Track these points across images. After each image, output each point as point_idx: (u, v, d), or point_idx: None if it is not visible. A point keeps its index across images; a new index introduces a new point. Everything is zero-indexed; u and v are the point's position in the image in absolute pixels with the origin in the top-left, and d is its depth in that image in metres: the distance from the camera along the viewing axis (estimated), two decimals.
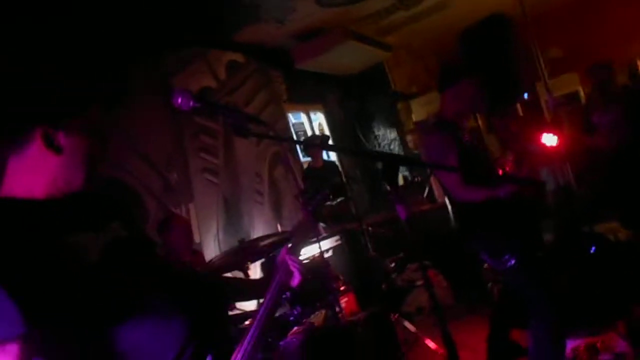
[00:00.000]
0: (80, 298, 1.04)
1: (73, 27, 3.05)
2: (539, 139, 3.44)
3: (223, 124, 4.37)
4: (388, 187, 1.20)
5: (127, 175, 3.42)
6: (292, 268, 1.37)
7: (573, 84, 7.05)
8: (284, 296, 1.37)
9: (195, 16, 4.14)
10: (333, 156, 5.88)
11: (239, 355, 1.24)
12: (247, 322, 2.66)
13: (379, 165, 6.22)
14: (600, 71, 3.95)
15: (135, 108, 3.61)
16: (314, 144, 5.19)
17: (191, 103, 1.25)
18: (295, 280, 1.36)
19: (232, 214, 4.34)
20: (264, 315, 1.31)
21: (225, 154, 4.43)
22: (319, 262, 3.20)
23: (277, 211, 4.84)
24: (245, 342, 1.25)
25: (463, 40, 3.68)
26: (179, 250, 2.96)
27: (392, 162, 1.18)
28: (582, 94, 7.06)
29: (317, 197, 1.46)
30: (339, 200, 3.95)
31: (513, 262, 2.38)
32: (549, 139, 3.64)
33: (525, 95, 3.85)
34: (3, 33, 2.72)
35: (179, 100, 1.26)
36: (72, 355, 1.06)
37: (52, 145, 1.10)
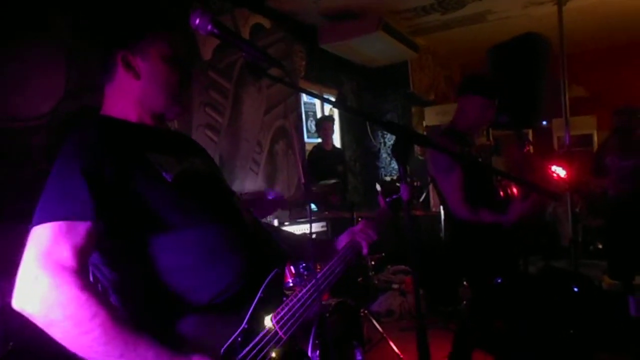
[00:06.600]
0: (147, 206, 1.10)
1: None
2: (549, 168, 3.38)
3: (236, 76, 4.25)
4: (397, 163, 1.11)
5: None
6: (364, 238, 1.48)
7: (589, 127, 6.98)
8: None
9: None
10: (338, 144, 5.80)
11: (286, 309, 1.21)
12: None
13: (390, 144, 6.07)
14: (625, 115, 3.86)
15: None
16: (328, 119, 5.10)
17: (209, 27, 1.15)
18: (365, 250, 1.46)
19: (225, 174, 4.23)
20: (322, 279, 1.33)
21: (231, 114, 4.32)
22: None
23: (270, 185, 4.75)
24: (296, 299, 1.23)
25: (493, 53, 3.50)
26: None
27: (408, 137, 1.08)
28: (595, 138, 7.00)
29: (396, 196, 1.57)
30: (332, 182, 3.85)
31: (499, 281, 2.39)
32: (559, 170, 3.57)
33: (545, 123, 3.74)
34: None
35: (197, 21, 1.15)
36: (125, 257, 1.13)
37: (130, 68, 1.20)
